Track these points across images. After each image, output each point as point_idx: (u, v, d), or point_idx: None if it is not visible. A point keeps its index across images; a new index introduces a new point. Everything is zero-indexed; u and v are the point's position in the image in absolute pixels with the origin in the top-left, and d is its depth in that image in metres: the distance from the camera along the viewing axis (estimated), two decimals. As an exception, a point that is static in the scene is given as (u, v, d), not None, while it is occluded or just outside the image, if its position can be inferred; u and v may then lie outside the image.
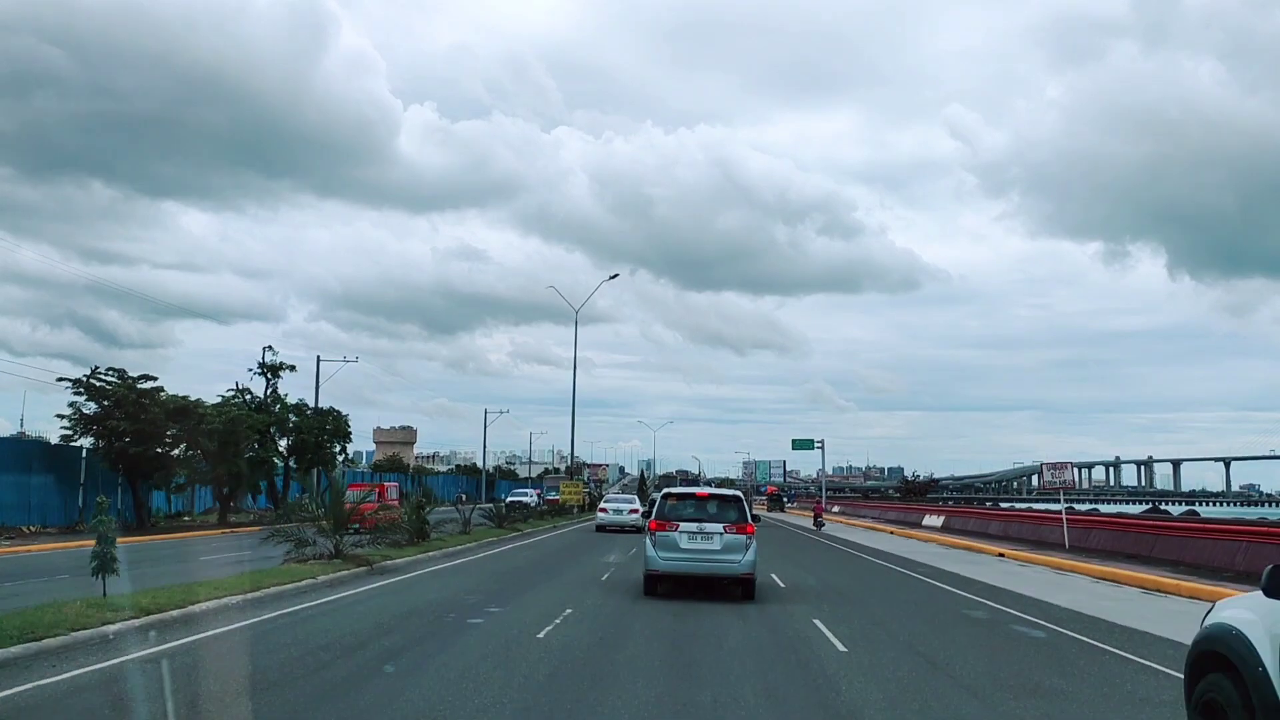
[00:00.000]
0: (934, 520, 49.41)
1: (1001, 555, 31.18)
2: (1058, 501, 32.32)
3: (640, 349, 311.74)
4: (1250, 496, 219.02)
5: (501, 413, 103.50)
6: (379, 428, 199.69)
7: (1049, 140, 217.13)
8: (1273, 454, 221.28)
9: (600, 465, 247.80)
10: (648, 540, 16.88)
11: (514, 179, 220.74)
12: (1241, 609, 5.68)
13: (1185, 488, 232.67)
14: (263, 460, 43.70)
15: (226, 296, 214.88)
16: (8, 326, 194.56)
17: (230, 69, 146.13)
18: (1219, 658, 5.62)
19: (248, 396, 47.58)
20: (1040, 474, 29.31)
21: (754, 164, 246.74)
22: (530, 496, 61.77)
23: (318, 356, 68.50)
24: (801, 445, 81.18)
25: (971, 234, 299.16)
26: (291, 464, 51.36)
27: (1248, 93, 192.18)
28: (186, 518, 45.29)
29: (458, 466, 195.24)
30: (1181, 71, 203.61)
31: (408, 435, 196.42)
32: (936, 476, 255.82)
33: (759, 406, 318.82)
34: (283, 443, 50.27)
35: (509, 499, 56.82)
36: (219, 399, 44.82)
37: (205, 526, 40.44)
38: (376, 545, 21.09)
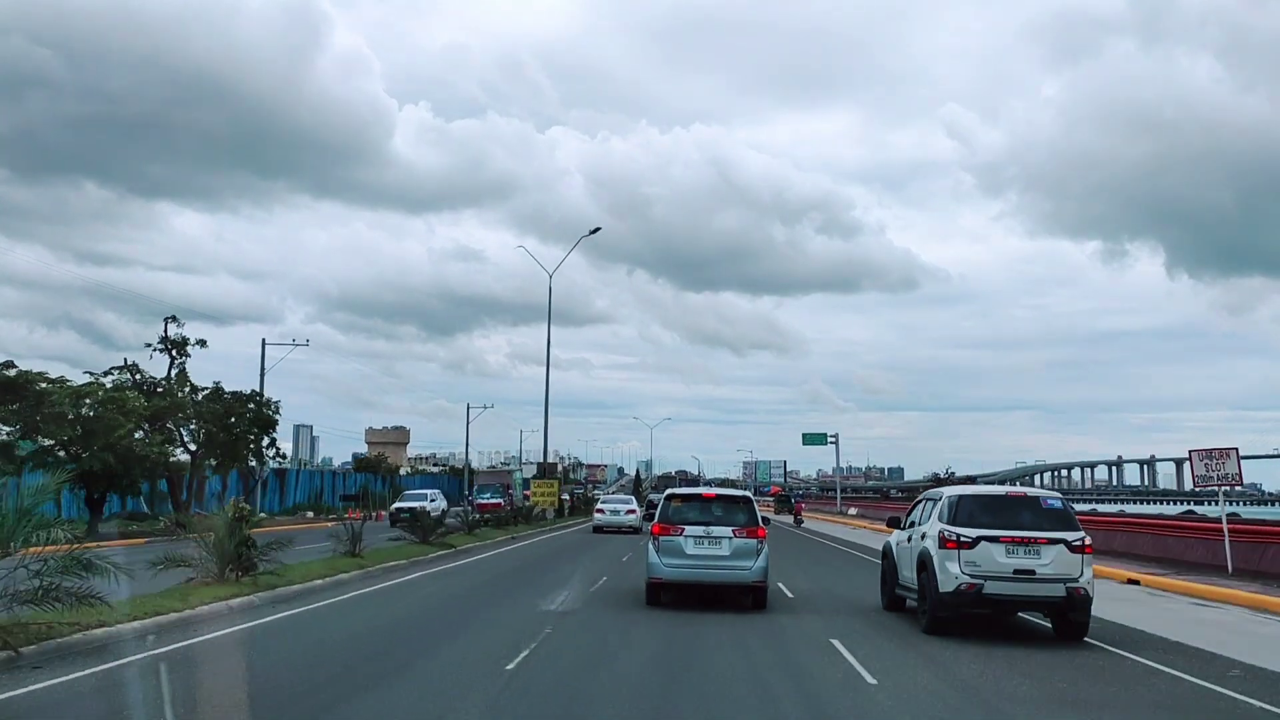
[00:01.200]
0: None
1: (1135, 581, 21.04)
2: (1181, 502, 22.04)
3: (638, 350, 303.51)
4: (1254, 496, 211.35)
5: (486, 408, 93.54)
6: (370, 428, 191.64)
7: (1046, 139, 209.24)
8: (1278, 452, 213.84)
9: (599, 466, 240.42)
10: (650, 545, 15.10)
11: (510, 179, 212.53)
12: (894, 533, 15.68)
13: (1188, 487, 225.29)
14: (144, 455, 33.35)
15: (223, 298, 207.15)
16: (4, 329, 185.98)
17: (224, 69, 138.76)
18: (885, 553, 16.06)
19: (138, 376, 37.25)
20: (1190, 465, 18.84)
21: (751, 164, 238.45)
22: (433, 501, 44.59)
23: (263, 340, 58.67)
24: (813, 440, 70.85)
25: (970, 234, 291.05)
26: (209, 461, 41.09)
27: (1245, 90, 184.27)
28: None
29: (451, 468, 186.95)
30: (1179, 69, 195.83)
31: (400, 435, 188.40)
32: (940, 476, 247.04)
33: (758, 407, 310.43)
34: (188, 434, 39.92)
35: (395, 506, 42.48)
36: (89, 377, 34.45)
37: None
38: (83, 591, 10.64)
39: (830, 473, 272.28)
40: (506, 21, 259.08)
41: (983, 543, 12.16)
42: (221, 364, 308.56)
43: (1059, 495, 13.75)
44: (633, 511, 39.73)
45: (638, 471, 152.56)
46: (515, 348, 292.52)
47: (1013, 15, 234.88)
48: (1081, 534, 12.46)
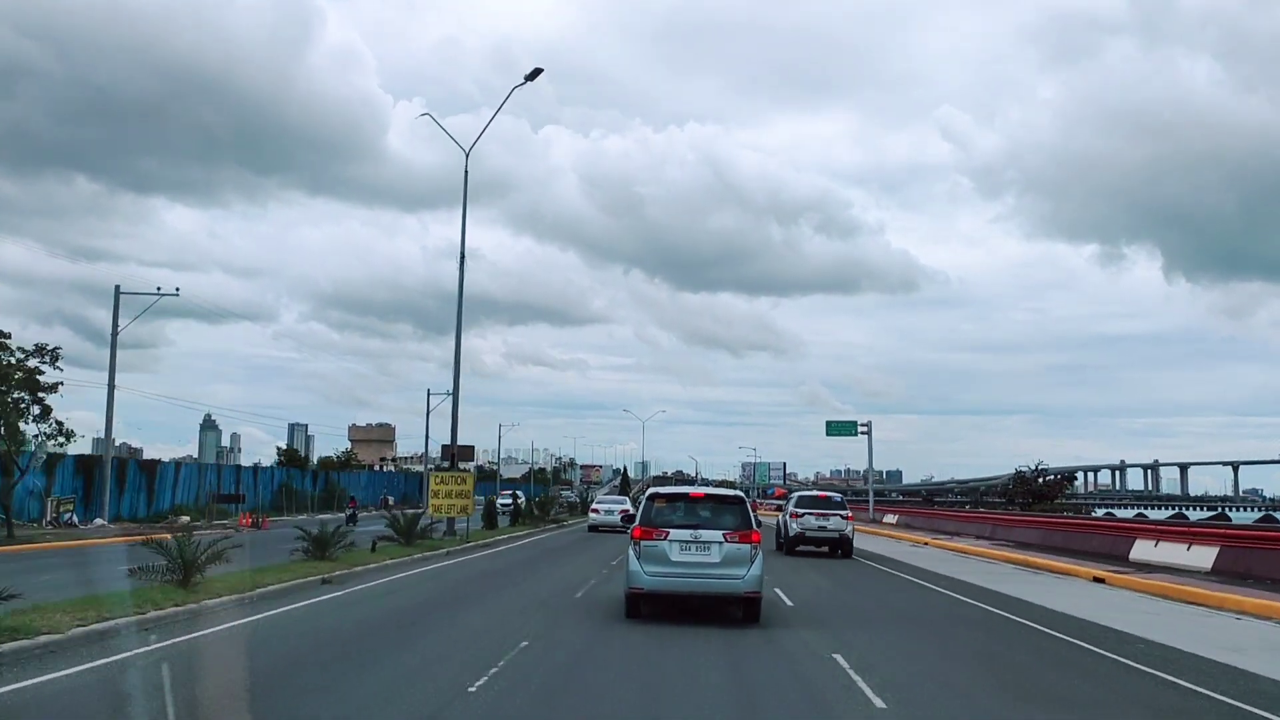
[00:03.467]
0: (1173, 553, 22.42)
1: None
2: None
3: (635, 351, 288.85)
4: (1255, 501, 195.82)
5: (447, 394, 77.90)
6: (354, 425, 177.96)
7: (1044, 142, 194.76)
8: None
9: (594, 467, 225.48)
10: (631, 551, 12.57)
11: (505, 177, 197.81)
12: (779, 516, 30.83)
13: (1193, 492, 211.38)
14: None
15: (217, 296, 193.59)
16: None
17: (216, 63, 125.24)
18: (775, 525, 30.07)
19: None
20: None
21: (748, 165, 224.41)
22: None
23: (116, 287, 42.75)
24: (840, 430, 54.26)
25: (967, 237, 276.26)
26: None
27: (1245, 91, 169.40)
28: None
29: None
30: (1178, 71, 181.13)
31: (384, 433, 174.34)
32: (938, 480, 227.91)
33: (755, 409, 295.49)
34: None
35: None
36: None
37: None
38: None
39: (829, 475, 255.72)
40: (502, 18, 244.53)
41: (806, 515, 26.93)
42: (216, 361, 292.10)
43: (840, 494, 32.53)
44: (625, 511, 39.04)
45: (624, 470, 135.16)
46: (511, 348, 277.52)
47: (1010, 17, 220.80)
48: (847, 512, 27.53)
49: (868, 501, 54.62)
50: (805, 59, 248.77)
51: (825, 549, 26.71)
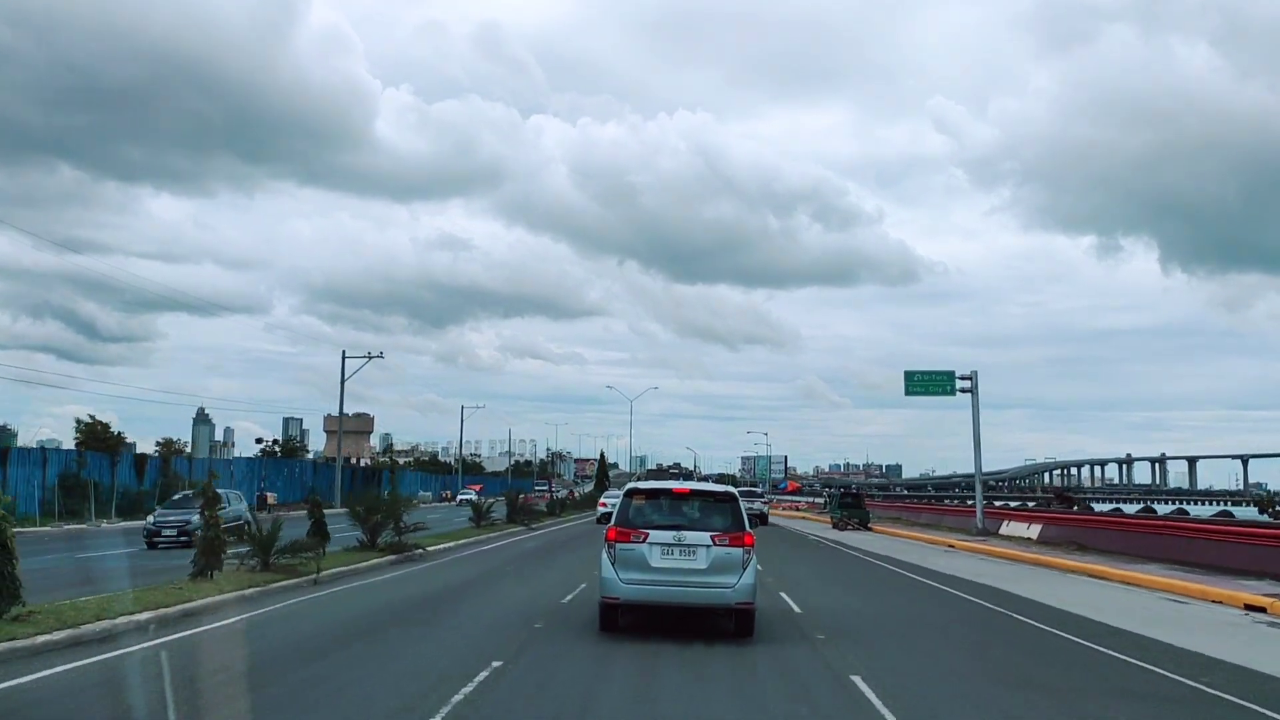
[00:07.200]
0: None
1: None
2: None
3: (630, 345, 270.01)
4: (1261, 496, 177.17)
5: (371, 356, 59.11)
6: (329, 415, 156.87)
7: (1040, 132, 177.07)
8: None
9: (589, 460, 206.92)
10: (604, 555, 10.43)
11: (497, 166, 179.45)
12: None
13: (1202, 486, 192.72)
14: None
15: (208, 288, 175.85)
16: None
17: (200, 47, 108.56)
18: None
19: None
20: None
21: (743, 156, 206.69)
22: None
23: None
24: (926, 386, 32.75)
25: (964, 230, 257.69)
26: None
27: (1243, 78, 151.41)
28: None
29: (417, 460, 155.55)
30: (1175, 57, 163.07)
31: (362, 424, 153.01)
32: (940, 474, 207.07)
33: (752, 403, 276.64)
34: None
35: None
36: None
37: None
38: None
39: (828, 469, 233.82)
40: (490, 3, 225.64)
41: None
42: (212, 355, 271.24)
43: (759, 486, 76.14)
44: None
45: (602, 457, 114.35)
46: (505, 340, 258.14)
47: (1005, 4, 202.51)
48: (766, 498, 56.01)
49: (974, 500, 33.48)
50: (798, 48, 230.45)
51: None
